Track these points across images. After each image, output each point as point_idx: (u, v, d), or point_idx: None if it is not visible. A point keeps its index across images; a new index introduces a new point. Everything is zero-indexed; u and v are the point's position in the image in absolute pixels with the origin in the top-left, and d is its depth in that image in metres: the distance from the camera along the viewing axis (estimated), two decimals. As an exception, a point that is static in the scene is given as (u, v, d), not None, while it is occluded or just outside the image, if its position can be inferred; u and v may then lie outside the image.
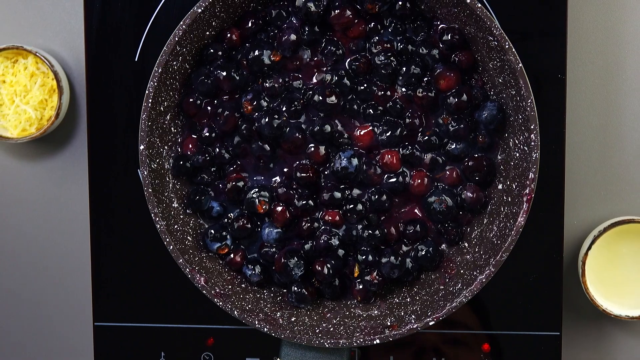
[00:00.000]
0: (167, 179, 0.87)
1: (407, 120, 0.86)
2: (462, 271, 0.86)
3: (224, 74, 0.85)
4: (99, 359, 0.95)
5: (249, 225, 0.87)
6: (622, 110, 0.95)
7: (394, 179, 0.87)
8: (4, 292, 0.99)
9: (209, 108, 0.87)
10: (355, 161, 0.85)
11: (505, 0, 0.90)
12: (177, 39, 0.82)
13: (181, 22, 0.82)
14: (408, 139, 0.86)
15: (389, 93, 0.86)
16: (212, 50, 0.86)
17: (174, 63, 0.84)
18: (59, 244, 0.98)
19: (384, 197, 0.86)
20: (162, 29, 0.93)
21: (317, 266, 0.86)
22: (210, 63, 0.86)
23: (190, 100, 0.87)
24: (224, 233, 0.88)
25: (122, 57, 0.93)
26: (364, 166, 0.86)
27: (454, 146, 0.86)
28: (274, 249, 0.87)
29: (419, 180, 0.86)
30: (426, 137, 0.86)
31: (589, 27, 0.94)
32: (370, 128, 0.86)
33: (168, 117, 0.86)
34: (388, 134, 0.86)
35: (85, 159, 0.95)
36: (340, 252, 0.87)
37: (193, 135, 0.88)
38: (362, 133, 0.86)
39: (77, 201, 0.97)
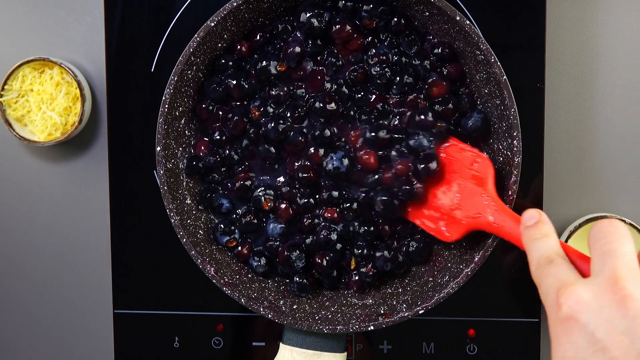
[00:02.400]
0: (181, 178, 0.87)
1: (395, 123, 0.85)
2: (449, 265, 0.85)
3: (234, 82, 0.85)
4: (119, 343, 0.95)
5: (256, 221, 0.87)
6: (596, 116, 0.95)
7: (375, 177, 0.85)
8: (32, 283, 0.98)
9: (220, 113, 0.87)
10: (346, 161, 0.84)
11: (490, 17, 0.91)
12: (191, 50, 0.82)
13: (196, 35, 0.82)
14: (395, 140, 0.85)
15: (383, 100, 0.86)
16: (223, 61, 0.86)
17: (189, 72, 0.84)
18: (82, 238, 0.98)
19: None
20: (176, 42, 0.93)
21: (317, 259, 0.86)
22: (221, 72, 0.86)
23: (203, 106, 0.87)
24: (233, 228, 0.87)
25: (139, 67, 0.93)
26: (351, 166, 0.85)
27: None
28: (278, 243, 0.87)
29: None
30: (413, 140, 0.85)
31: (565, 41, 0.95)
32: (361, 131, 0.85)
33: (182, 121, 0.86)
34: (377, 135, 0.84)
35: (106, 161, 0.95)
36: (338, 246, 0.86)
37: (205, 138, 0.88)
38: (354, 135, 0.85)
39: (99, 199, 0.97)
